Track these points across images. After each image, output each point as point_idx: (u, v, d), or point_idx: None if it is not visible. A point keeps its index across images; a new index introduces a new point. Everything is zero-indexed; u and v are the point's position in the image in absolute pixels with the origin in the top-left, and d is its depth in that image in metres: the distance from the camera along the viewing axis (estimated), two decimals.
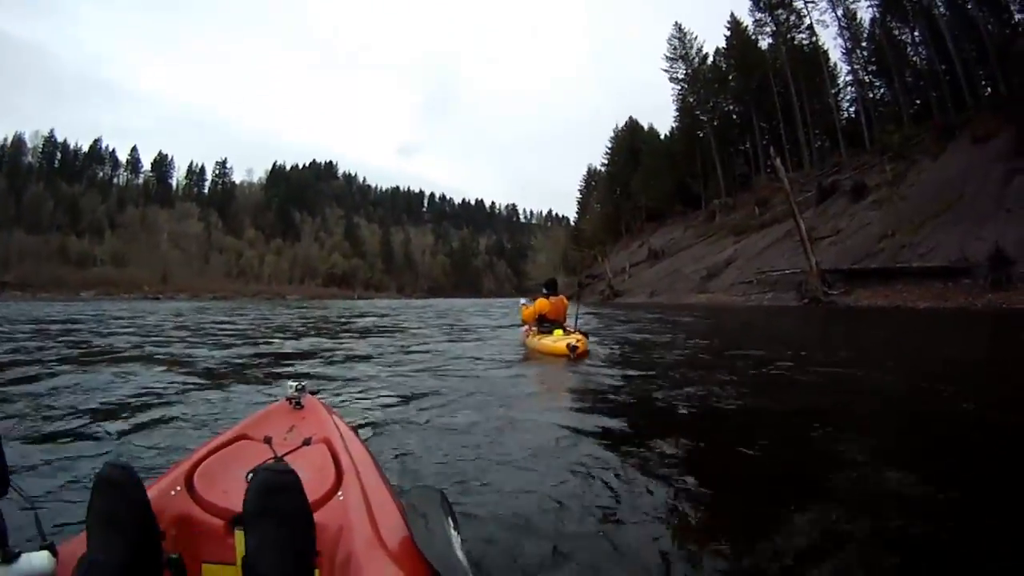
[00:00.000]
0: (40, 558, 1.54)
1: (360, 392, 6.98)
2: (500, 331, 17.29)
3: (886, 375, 8.51)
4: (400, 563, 1.56)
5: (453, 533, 1.79)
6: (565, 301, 12.23)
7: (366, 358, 10.74)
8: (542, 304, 11.69)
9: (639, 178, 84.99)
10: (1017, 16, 47.12)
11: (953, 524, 3.06)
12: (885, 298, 27.78)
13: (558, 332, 11.02)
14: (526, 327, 12.84)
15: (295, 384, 2.95)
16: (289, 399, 2.93)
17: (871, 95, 61.45)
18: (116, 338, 15.06)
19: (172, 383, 7.40)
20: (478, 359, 10.57)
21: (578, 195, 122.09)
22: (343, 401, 6.30)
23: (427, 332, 16.68)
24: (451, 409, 5.96)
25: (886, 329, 18.10)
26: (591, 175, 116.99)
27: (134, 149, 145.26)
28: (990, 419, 5.51)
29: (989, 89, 47.49)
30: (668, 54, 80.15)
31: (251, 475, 1.68)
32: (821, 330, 19.62)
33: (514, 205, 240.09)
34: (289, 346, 13.27)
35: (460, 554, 1.68)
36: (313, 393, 3.11)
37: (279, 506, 1.56)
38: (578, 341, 10.16)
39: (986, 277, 24.04)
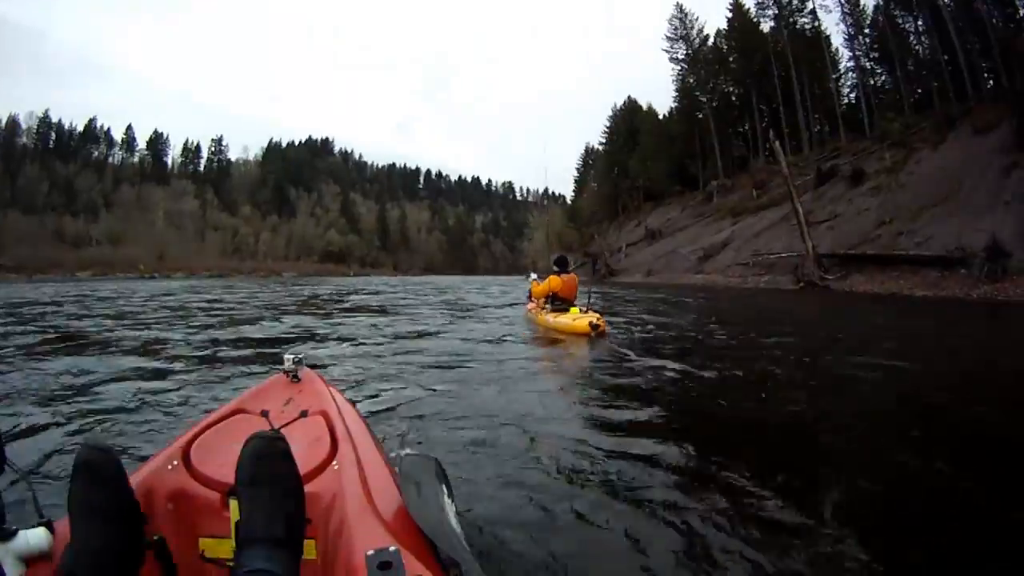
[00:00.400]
0: (37, 535, 1.56)
1: (376, 380, 6.59)
2: (506, 309, 17.40)
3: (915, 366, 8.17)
4: (392, 529, 1.57)
5: (447, 501, 1.82)
6: (576, 279, 12.29)
7: (374, 341, 10.35)
8: (555, 282, 11.74)
9: (637, 158, 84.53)
10: (1023, 11, 47.15)
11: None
12: (881, 284, 27.80)
13: (574, 310, 11.00)
14: (533, 304, 13.08)
15: (292, 357, 2.98)
16: (286, 372, 2.96)
17: (872, 82, 61.37)
18: (96, 320, 15.00)
19: (163, 368, 7.39)
20: (491, 339, 10.49)
21: (575, 174, 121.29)
22: (366, 396, 5.85)
23: (431, 311, 16.49)
24: (471, 394, 5.81)
25: (896, 316, 18.00)
26: (588, 154, 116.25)
27: (129, 128, 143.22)
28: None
29: (992, 81, 47.53)
30: (668, 34, 79.66)
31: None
32: (819, 312, 19.93)
33: (510, 183, 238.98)
34: (284, 329, 12.90)
35: (453, 521, 1.73)
36: (311, 366, 3.15)
37: (270, 472, 1.63)
38: (598, 320, 10.19)
39: (982, 268, 23.98)
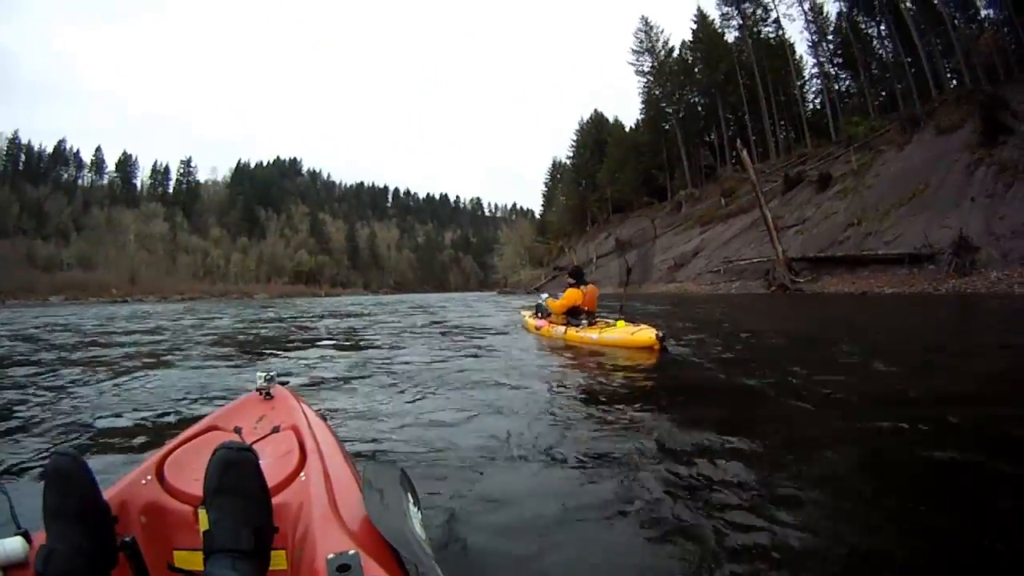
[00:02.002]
0: (14, 544, 1.57)
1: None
2: (508, 330, 15.03)
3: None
4: (353, 535, 1.61)
5: (413, 509, 1.84)
6: (597, 290, 11.50)
7: (383, 385, 7.07)
8: (575, 295, 11.09)
9: (604, 170, 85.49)
10: (984, 11, 48.19)
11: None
12: (852, 284, 28.11)
13: (621, 323, 9.97)
14: (543, 322, 12.21)
15: (265, 374, 2.99)
16: (259, 390, 2.98)
17: (837, 87, 62.54)
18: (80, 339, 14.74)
19: (139, 386, 7.19)
20: (523, 371, 7.97)
21: (543, 188, 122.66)
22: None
23: (422, 336, 14.71)
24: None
25: (852, 312, 18.47)
26: (556, 168, 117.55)
27: (98, 149, 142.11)
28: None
29: (955, 81, 48.59)
30: (634, 47, 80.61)
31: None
32: (792, 313, 20.03)
33: (479, 199, 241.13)
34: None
35: (417, 527, 1.75)
36: (283, 383, 3.16)
37: (236, 482, 1.63)
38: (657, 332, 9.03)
39: (950, 263, 24.39)
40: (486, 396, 6.11)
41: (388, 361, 9.08)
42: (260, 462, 1.79)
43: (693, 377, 7.33)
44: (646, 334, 9.04)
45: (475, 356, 9.66)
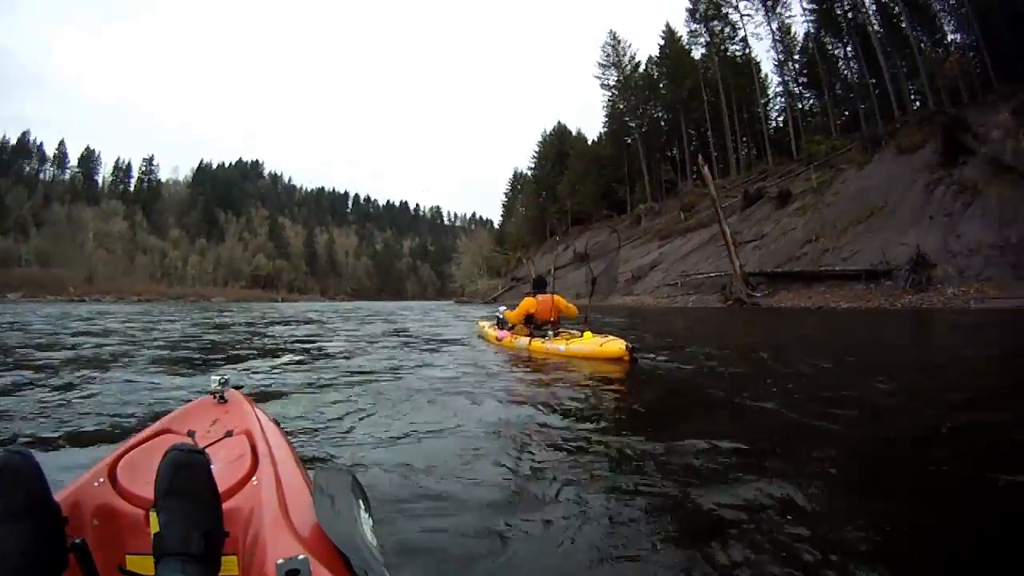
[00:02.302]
0: None
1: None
2: (469, 341, 14.27)
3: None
4: (304, 540, 1.58)
5: (364, 515, 1.81)
6: (559, 300, 11.02)
7: (340, 394, 6.74)
8: (529, 303, 10.84)
9: (565, 182, 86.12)
10: (952, 36, 49.08)
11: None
12: (808, 299, 28.25)
13: (588, 334, 9.72)
14: (504, 333, 11.78)
15: (219, 378, 2.92)
16: (213, 394, 2.92)
17: (800, 106, 63.32)
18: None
19: (94, 388, 6.88)
20: (498, 388, 7.30)
21: (503, 198, 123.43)
22: None
23: (382, 346, 14.17)
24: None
25: (807, 326, 18.76)
26: (517, 178, 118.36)
27: (62, 143, 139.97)
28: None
29: (918, 103, 49.64)
30: (601, 61, 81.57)
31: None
32: (753, 326, 20.32)
33: (438, 207, 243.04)
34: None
35: (367, 532, 1.72)
36: (237, 388, 3.10)
37: (187, 484, 1.60)
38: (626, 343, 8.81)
39: (907, 279, 24.75)
40: (445, 407, 5.91)
41: (345, 370, 8.71)
42: (212, 466, 1.79)
43: (666, 388, 7.36)
44: (616, 345, 8.83)
45: (436, 366, 9.30)
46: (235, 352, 11.94)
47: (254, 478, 2.04)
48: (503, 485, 3.47)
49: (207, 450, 1.97)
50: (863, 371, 8.04)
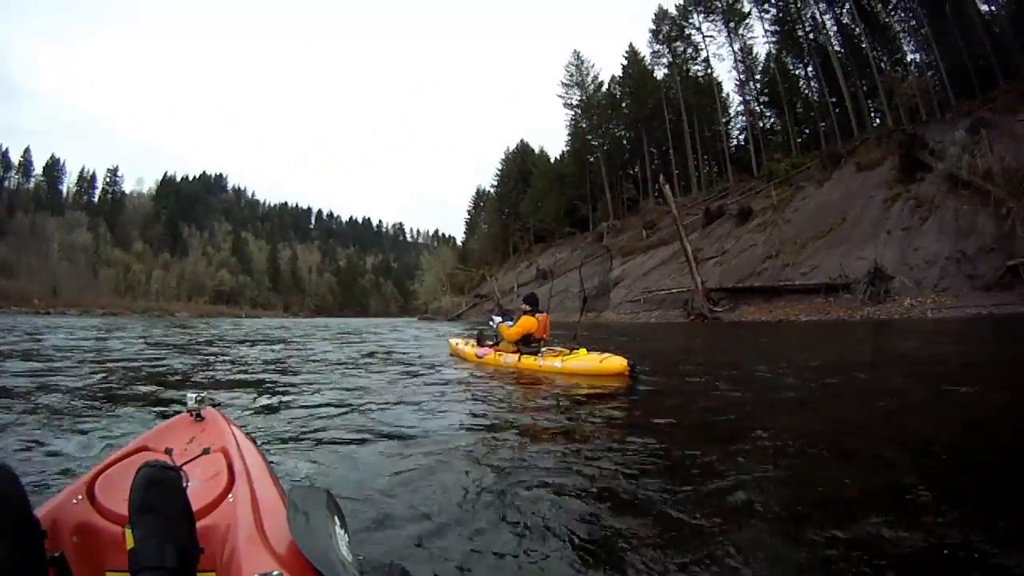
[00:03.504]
0: None
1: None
2: (447, 359, 13.09)
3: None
4: (278, 556, 1.60)
5: (340, 532, 1.80)
6: (548, 318, 10.87)
7: (320, 415, 6.35)
8: (529, 322, 10.47)
9: (528, 200, 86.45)
10: (910, 56, 50.34)
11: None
12: (769, 313, 28.53)
13: (583, 351, 9.51)
14: (483, 349, 11.54)
15: (195, 396, 2.92)
16: (190, 411, 2.91)
17: (761, 124, 64.07)
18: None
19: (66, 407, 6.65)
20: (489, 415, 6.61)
21: (466, 215, 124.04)
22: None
23: (357, 364, 13.44)
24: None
25: (768, 336, 19.59)
26: (480, 196, 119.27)
27: (27, 151, 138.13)
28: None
29: (877, 121, 50.50)
30: (564, 80, 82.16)
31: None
32: (724, 341, 20.30)
33: (401, 224, 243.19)
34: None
35: (343, 549, 1.70)
36: (214, 405, 3.09)
37: (160, 500, 1.62)
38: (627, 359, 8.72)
39: (865, 292, 25.18)
40: (439, 426, 5.70)
41: (325, 389, 8.38)
42: (189, 484, 1.95)
43: (671, 406, 7.07)
44: (616, 362, 8.67)
45: (421, 386, 8.91)
46: (210, 372, 11.26)
47: (230, 495, 2.06)
48: (497, 507, 3.39)
49: (184, 468, 2.11)
50: (884, 391, 7.61)
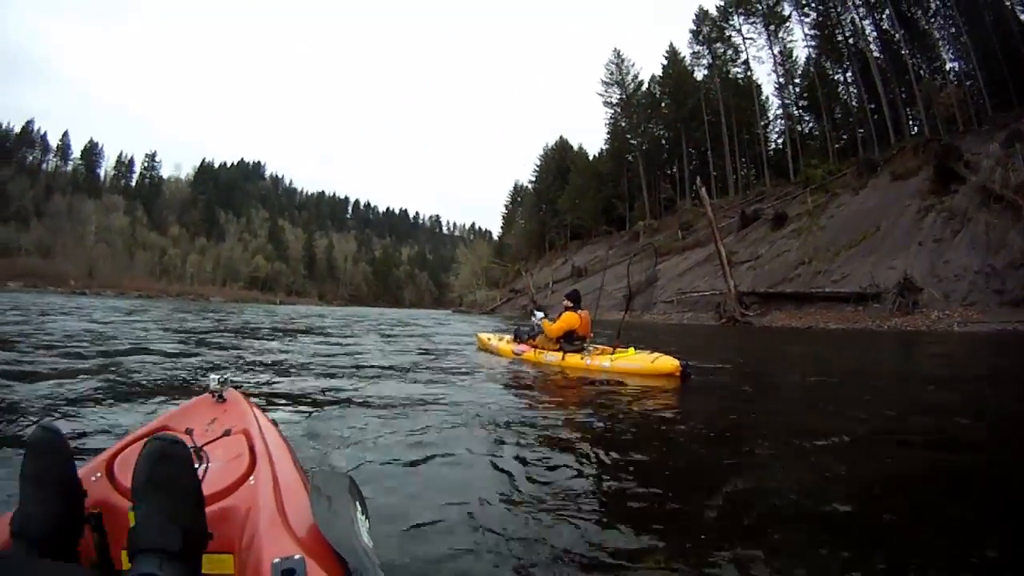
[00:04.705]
0: None
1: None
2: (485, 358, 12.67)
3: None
4: (300, 540, 1.61)
5: (360, 517, 1.81)
6: (590, 315, 10.64)
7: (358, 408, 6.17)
8: (572, 319, 10.24)
9: (566, 196, 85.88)
10: (949, 64, 49.77)
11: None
12: (799, 319, 28.65)
13: (631, 351, 9.27)
14: (521, 346, 11.27)
15: (217, 377, 2.95)
16: (212, 392, 2.93)
17: (800, 128, 63.45)
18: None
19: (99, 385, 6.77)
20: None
21: (503, 210, 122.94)
22: None
23: (400, 356, 11.93)
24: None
25: (803, 344, 19.08)
26: (517, 191, 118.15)
27: (65, 135, 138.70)
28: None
29: (915, 129, 49.86)
30: (604, 79, 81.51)
31: None
32: (762, 344, 20.50)
33: (438, 216, 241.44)
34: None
35: (365, 536, 1.72)
36: (236, 387, 3.11)
37: (167, 476, 1.56)
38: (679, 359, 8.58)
39: (894, 302, 25.25)
40: (477, 422, 5.53)
41: (361, 378, 8.20)
42: (210, 464, 1.93)
43: (727, 408, 7.03)
44: (668, 362, 8.52)
45: (460, 377, 8.82)
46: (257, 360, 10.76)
47: (251, 477, 2.06)
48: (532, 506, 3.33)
49: (205, 448, 2.10)
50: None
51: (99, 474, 2.05)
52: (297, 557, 1.45)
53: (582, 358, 9.63)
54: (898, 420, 6.22)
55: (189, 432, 2.31)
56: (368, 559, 1.51)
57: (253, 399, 3.07)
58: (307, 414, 5.64)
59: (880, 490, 3.70)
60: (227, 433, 2.41)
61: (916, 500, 3.63)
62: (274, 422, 2.78)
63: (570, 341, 10.22)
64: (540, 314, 11.66)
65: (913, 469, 4.24)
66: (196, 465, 1.75)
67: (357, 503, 1.86)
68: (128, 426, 4.69)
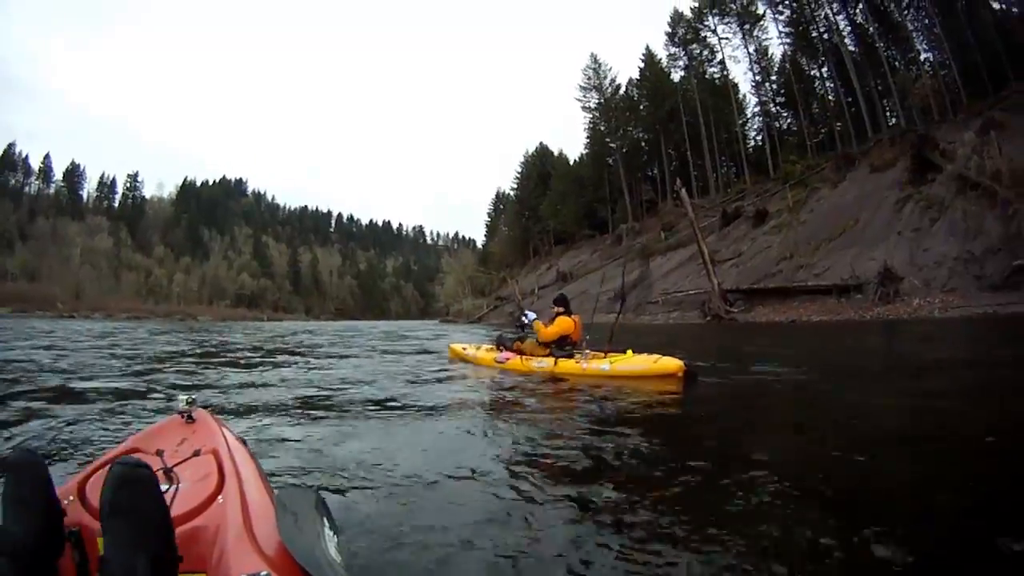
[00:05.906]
0: None
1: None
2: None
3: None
4: (267, 556, 1.63)
5: (328, 532, 1.86)
6: (581, 319, 10.35)
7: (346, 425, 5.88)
8: (566, 323, 9.96)
9: (548, 202, 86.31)
10: (924, 55, 50.38)
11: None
12: (783, 314, 28.85)
13: (629, 352, 8.99)
14: (506, 354, 10.76)
15: (186, 398, 2.95)
16: (181, 413, 2.93)
17: (778, 125, 64.06)
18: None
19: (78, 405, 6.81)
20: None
21: (486, 218, 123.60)
22: None
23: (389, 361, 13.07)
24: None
25: (779, 337, 19.50)
26: (500, 199, 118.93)
27: (47, 157, 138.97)
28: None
29: (892, 120, 50.33)
30: (582, 84, 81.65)
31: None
32: (722, 339, 20.79)
33: (421, 227, 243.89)
34: None
35: (332, 551, 1.76)
36: (205, 407, 3.13)
37: (131, 502, 1.55)
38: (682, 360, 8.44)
39: (876, 292, 25.46)
40: (476, 436, 5.33)
41: (344, 394, 7.84)
42: (180, 485, 1.95)
43: (731, 408, 7.03)
44: (671, 362, 8.33)
45: (449, 386, 8.76)
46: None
47: (220, 496, 2.08)
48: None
49: (175, 469, 2.13)
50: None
51: (71, 497, 2.05)
52: (264, 574, 1.49)
53: (577, 362, 9.22)
54: (890, 408, 6.29)
55: (160, 453, 2.36)
56: (333, 572, 1.55)
57: (221, 417, 3.14)
58: (285, 433, 5.45)
59: (894, 483, 3.70)
60: (196, 453, 2.42)
61: (919, 485, 3.62)
62: (243, 441, 2.80)
63: (561, 347, 9.90)
64: (532, 314, 11.08)
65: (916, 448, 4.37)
66: (166, 486, 1.87)
67: (324, 518, 1.92)
68: (102, 447, 4.71)
